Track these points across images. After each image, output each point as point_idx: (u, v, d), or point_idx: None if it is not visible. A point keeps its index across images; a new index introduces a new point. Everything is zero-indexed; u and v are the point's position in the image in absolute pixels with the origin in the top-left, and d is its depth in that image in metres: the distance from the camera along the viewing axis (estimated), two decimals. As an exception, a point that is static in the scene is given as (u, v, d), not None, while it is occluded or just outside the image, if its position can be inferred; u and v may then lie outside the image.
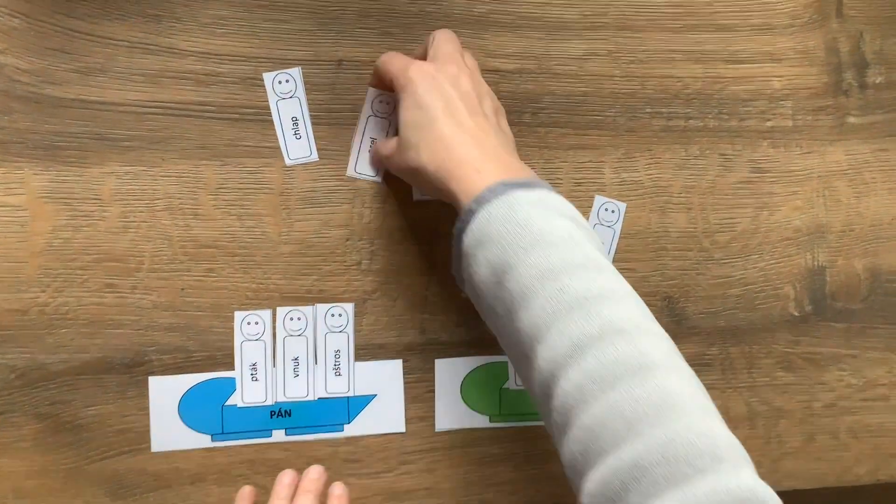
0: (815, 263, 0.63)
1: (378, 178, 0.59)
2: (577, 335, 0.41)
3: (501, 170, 0.47)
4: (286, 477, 0.54)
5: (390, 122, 0.59)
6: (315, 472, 0.55)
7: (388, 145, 0.54)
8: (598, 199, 0.61)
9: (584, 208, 0.61)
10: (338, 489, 0.55)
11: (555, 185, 0.60)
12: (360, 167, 0.59)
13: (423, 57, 0.54)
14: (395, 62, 0.53)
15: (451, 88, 0.50)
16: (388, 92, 0.57)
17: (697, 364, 0.61)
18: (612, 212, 0.61)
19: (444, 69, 0.51)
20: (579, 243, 0.44)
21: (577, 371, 0.40)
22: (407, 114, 0.50)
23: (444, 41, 0.53)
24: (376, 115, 0.59)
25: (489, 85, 0.60)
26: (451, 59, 0.52)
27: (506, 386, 0.61)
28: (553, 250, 0.43)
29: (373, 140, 0.59)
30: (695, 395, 0.40)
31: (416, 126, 0.50)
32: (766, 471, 0.61)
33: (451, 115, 0.49)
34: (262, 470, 0.58)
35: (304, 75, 0.59)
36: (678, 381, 0.40)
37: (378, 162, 0.58)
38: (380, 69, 0.55)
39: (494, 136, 0.50)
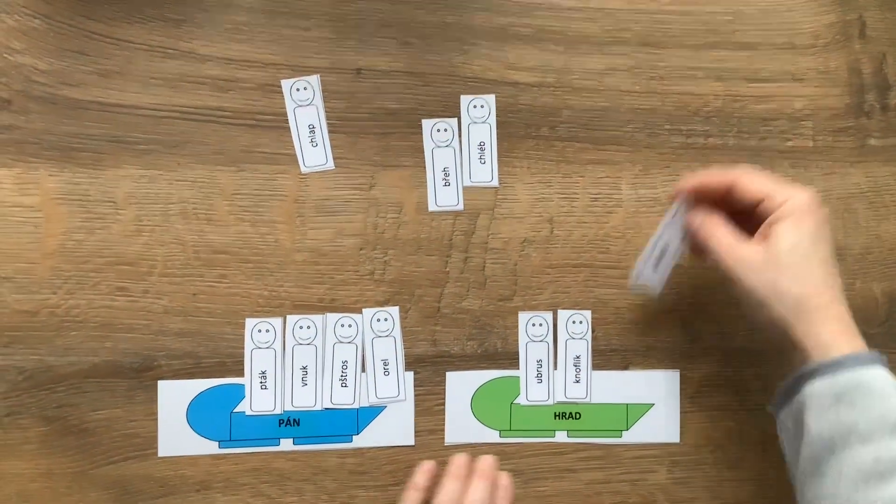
0: (833, 286, 0.62)
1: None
2: None
3: (855, 334, 0.48)
4: (461, 459, 0.57)
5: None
6: (490, 460, 0.58)
7: (747, 251, 0.50)
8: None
9: (600, 222, 0.60)
10: (505, 479, 0.57)
11: (571, 200, 0.60)
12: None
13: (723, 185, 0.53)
14: (768, 181, 0.52)
15: (826, 228, 0.50)
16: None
17: (711, 385, 0.60)
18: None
19: (822, 208, 0.51)
20: None
21: None
22: (795, 240, 0.49)
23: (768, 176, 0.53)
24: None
25: (507, 98, 0.60)
26: (813, 195, 0.51)
27: (517, 401, 0.60)
28: None
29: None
30: None
31: (803, 256, 0.49)
32: (776, 495, 0.60)
33: (831, 265, 0.50)
34: (269, 479, 0.58)
35: (323, 83, 0.59)
36: None
37: (699, 248, 0.54)
38: (739, 183, 0.52)
39: (842, 291, 0.50)
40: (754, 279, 0.49)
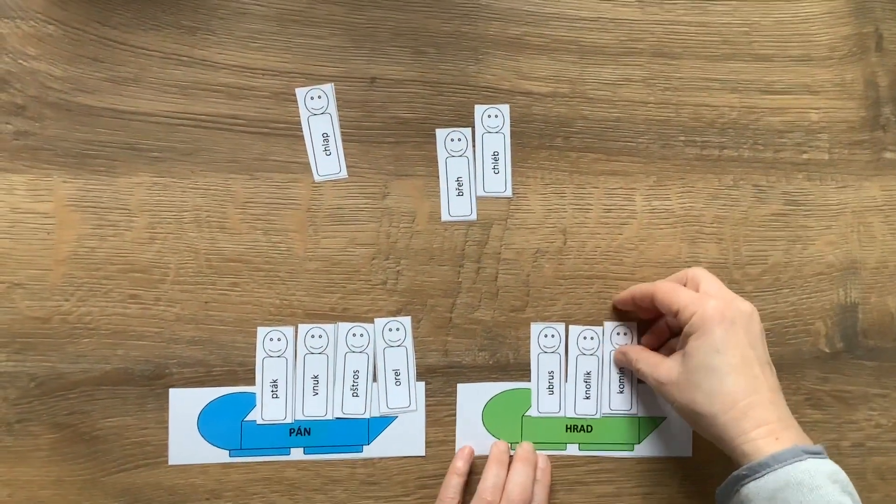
0: (848, 300, 0.62)
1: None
2: None
3: (791, 431, 0.49)
4: (502, 445, 0.58)
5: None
6: (529, 446, 0.59)
7: (666, 372, 0.53)
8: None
9: (614, 233, 0.60)
10: (542, 461, 0.58)
11: (585, 211, 0.60)
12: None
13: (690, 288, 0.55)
14: (678, 290, 0.54)
15: (745, 335, 0.51)
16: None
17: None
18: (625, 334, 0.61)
19: (738, 308, 0.52)
20: None
21: None
22: (699, 354, 0.51)
23: (707, 276, 0.55)
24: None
25: (521, 108, 0.59)
26: (731, 296, 0.53)
27: (528, 413, 0.60)
28: None
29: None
30: None
31: (710, 371, 0.50)
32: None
33: (745, 365, 0.50)
34: (279, 489, 0.58)
35: (337, 92, 0.59)
36: None
37: (636, 372, 0.57)
38: (656, 297, 0.55)
39: (778, 389, 0.51)
40: (677, 399, 0.52)
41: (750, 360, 0.50)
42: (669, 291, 0.54)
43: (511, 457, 0.58)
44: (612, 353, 0.60)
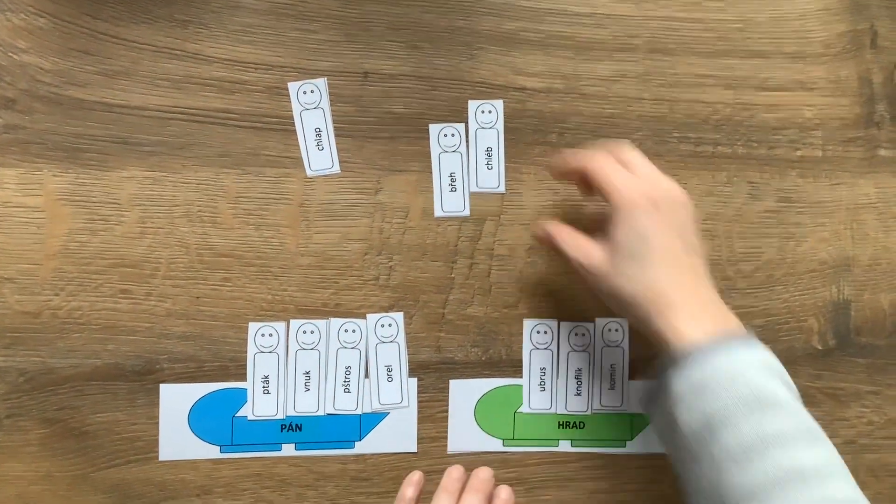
0: (841, 297, 0.62)
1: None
2: None
3: (718, 319, 0.47)
4: (455, 472, 0.55)
5: None
6: (485, 473, 0.56)
7: (591, 256, 0.50)
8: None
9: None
10: (504, 493, 0.55)
11: (579, 206, 0.60)
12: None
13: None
14: (607, 169, 0.50)
15: (672, 220, 0.49)
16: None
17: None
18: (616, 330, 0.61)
19: (665, 192, 0.50)
20: (799, 412, 0.45)
21: None
22: (623, 239, 0.48)
23: (641, 160, 0.52)
24: None
25: (515, 104, 0.59)
26: (660, 180, 0.50)
27: (520, 410, 0.59)
28: (776, 416, 0.43)
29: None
30: None
31: (633, 256, 0.48)
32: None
33: (670, 252, 0.48)
34: (270, 485, 0.57)
35: (330, 86, 0.58)
36: None
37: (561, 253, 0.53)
38: (587, 168, 0.51)
39: (705, 277, 0.49)
40: (601, 284, 0.49)
41: (675, 248, 0.48)
42: (601, 171, 0.50)
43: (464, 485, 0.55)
44: (532, 225, 0.55)
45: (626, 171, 0.50)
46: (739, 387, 0.44)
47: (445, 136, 0.59)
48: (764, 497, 0.41)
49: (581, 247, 0.51)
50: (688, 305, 0.47)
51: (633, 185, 0.49)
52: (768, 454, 0.42)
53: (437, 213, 0.59)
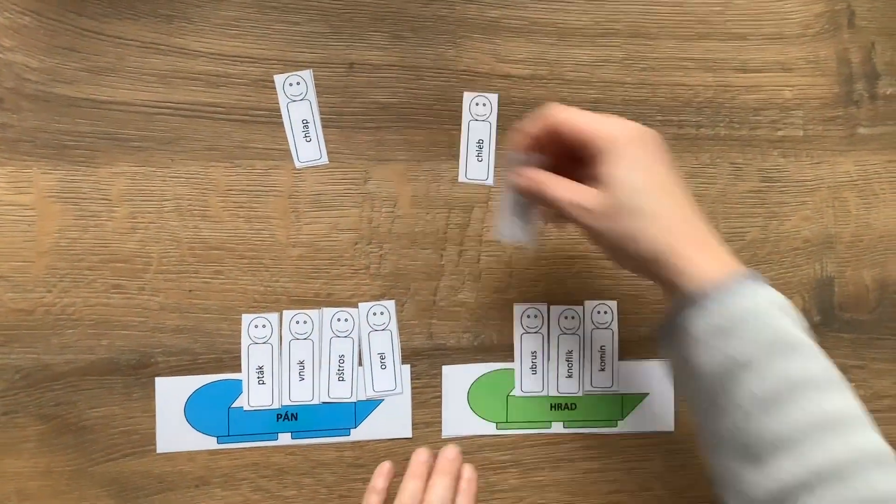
0: (824, 274, 0.63)
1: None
2: (842, 459, 0.40)
3: (726, 258, 0.46)
4: (422, 455, 0.54)
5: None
6: (451, 453, 0.54)
7: (588, 196, 0.47)
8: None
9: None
10: (468, 472, 0.54)
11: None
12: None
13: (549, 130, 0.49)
14: (580, 116, 0.48)
15: (660, 154, 0.47)
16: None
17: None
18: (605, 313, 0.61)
19: (641, 129, 0.48)
20: (819, 356, 0.43)
21: (832, 495, 0.40)
22: (623, 176, 0.46)
23: (585, 112, 0.49)
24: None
25: (499, 91, 0.60)
26: (624, 120, 0.48)
27: (512, 393, 0.60)
28: (801, 360, 0.42)
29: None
30: None
31: (638, 190, 0.45)
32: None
33: (672, 187, 0.47)
34: (267, 474, 0.58)
35: (315, 78, 0.59)
36: None
37: (548, 212, 0.52)
38: (561, 128, 0.48)
39: (699, 210, 0.47)
40: (604, 227, 0.46)
41: (674, 182, 0.47)
42: (573, 119, 0.48)
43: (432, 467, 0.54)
44: (510, 176, 0.52)
45: (596, 114, 0.48)
46: (762, 329, 0.43)
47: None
48: (793, 445, 0.40)
49: (575, 189, 0.48)
50: (698, 242, 0.45)
51: (614, 124, 0.47)
52: (796, 401, 0.41)
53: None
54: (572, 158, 0.49)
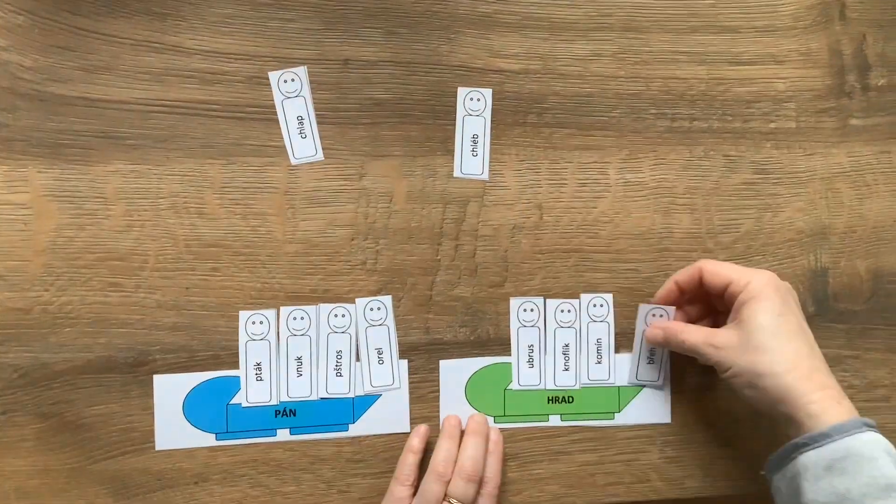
0: (818, 265, 0.63)
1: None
2: None
3: (844, 402, 0.50)
4: (453, 419, 0.59)
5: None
6: (480, 417, 0.60)
7: (724, 338, 0.53)
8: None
9: (589, 207, 0.61)
10: (495, 434, 0.59)
11: (560, 185, 0.61)
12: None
13: (693, 283, 0.57)
14: (726, 267, 0.56)
15: (795, 305, 0.54)
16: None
17: (699, 365, 0.61)
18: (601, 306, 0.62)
19: (782, 281, 0.55)
20: None
21: None
22: (764, 318, 0.52)
23: (726, 263, 0.57)
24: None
25: (493, 86, 0.60)
26: (764, 271, 0.55)
27: (510, 387, 0.61)
28: None
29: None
30: None
31: (775, 333, 0.51)
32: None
33: (804, 333, 0.53)
34: (266, 470, 0.58)
35: (310, 74, 0.59)
36: None
37: (681, 345, 0.56)
38: (704, 274, 0.56)
39: (824, 361, 0.53)
40: (736, 362, 0.52)
41: (804, 328, 0.53)
42: (717, 267, 0.56)
43: (463, 430, 0.59)
44: (645, 331, 0.59)
45: (739, 266, 0.56)
46: (873, 471, 0.46)
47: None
48: None
49: (706, 331, 0.55)
50: (824, 380, 0.51)
51: (754, 273, 0.54)
52: None
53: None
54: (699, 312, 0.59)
